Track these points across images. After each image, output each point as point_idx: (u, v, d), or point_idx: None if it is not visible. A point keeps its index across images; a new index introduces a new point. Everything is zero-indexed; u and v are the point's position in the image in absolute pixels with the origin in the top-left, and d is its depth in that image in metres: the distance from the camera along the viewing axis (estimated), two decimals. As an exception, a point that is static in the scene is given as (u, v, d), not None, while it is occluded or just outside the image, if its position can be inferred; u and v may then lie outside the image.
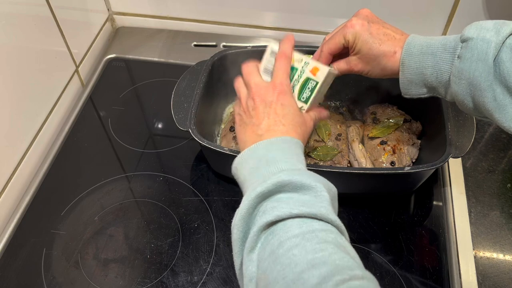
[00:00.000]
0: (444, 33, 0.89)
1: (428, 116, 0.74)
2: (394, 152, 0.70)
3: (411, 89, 0.54)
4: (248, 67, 0.56)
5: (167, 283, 0.62)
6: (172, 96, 0.70)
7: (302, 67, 0.56)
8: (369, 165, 0.70)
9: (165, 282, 0.62)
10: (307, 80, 0.55)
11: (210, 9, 0.95)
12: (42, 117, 0.78)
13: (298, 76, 0.56)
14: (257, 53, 0.76)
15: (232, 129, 0.74)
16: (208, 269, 0.63)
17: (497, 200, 0.70)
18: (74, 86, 0.87)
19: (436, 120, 0.68)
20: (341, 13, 0.88)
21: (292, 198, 0.42)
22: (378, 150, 0.71)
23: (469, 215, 0.68)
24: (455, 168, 0.74)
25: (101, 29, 0.97)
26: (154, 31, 1.00)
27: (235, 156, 0.64)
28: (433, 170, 0.67)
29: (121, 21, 1.02)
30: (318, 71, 0.55)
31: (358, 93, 0.81)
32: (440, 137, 0.65)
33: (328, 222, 0.41)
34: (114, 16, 1.01)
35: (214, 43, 0.96)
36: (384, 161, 0.70)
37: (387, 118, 0.75)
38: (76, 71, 0.88)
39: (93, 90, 0.89)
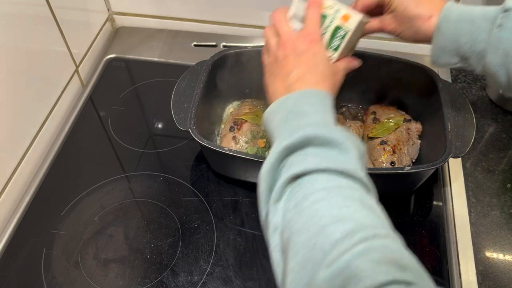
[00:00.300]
0: (444, 33, 0.89)
1: (428, 116, 0.74)
2: (394, 152, 0.70)
3: (441, 57, 0.54)
4: (277, 15, 0.54)
5: (167, 283, 0.62)
6: (172, 96, 0.70)
7: (333, 14, 0.53)
8: (369, 165, 0.70)
9: (165, 282, 0.62)
10: (338, 28, 0.53)
11: (210, 9, 0.95)
12: (42, 117, 0.78)
13: (329, 24, 0.53)
14: (257, 53, 0.77)
15: (232, 129, 0.74)
16: (208, 269, 0.63)
17: (497, 200, 0.70)
18: (74, 86, 0.87)
19: (436, 120, 0.68)
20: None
21: (320, 152, 0.42)
22: (378, 150, 0.71)
23: (469, 215, 0.68)
24: (455, 168, 0.74)
25: (101, 29, 0.97)
26: (154, 31, 1.00)
27: (235, 156, 0.65)
28: (433, 170, 0.67)
29: (121, 21, 1.02)
30: (349, 19, 0.52)
31: (358, 93, 0.81)
32: (440, 137, 0.65)
33: (355, 179, 0.40)
34: (114, 16, 1.01)
35: (214, 43, 0.96)
36: (384, 161, 0.70)
37: (387, 118, 0.75)
38: (76, 71, 0.88)
39: (93, 90, 0.89)
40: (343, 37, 0.53)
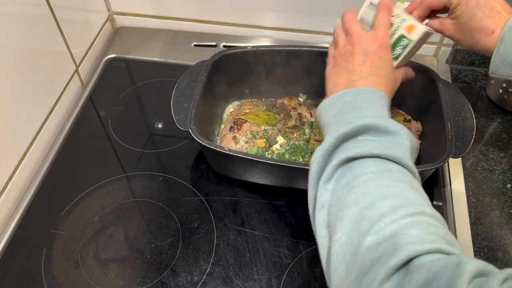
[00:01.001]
0: (444, 33, 0.89)
1: (428, 116, 0.74)
2: (394, 152, 0.70)
3: (501, 68, 0.54)
4: (349, 15, 0.55)
5: (167, 283, 0.62)
6: (172, 96, 0.70)
7: (399, 23, 0.55)
8: (369, 165, 0.70)
9: (165, 282, 0.62)
10: (401, 37, 0.54)
11: (210, 9, 0.95)
12: (42, 117, 0.78)
13: (393, 32, 0.55)
14: (257, 53, 0.77)
15: (232, 129, 0.74)
16: (208, 269, 0.63)
17: (497, 200, 0.70)
18: (74, 86, 0.87)
19: (436, 120, 0.68)
20: (341, 13, 0.88)
21: (374, 140, 0.43)
22: (378, 150, 0.71)
23: (469, 215, 0.68)
24: (455, 168, 0.74)
25: (101, 29, 0.97)
26: (154, 31, 1.00)
27: (235, 156, 0.65)
28: (433, 170, 0.67)
29: (121, 21, 1.02)
30: (413, 30, 0.54)
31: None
32: (440, 137, 0.65)
33: (405, 167, 0.42)
34: (114, 16, 1.01)
35: (214, 43, 0.96)
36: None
37: (387, 118, 0.75)
38: (76, 71, 0.88)
39: (93, 90, 0.89)
40: (405, 47, 0.55)
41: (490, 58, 0.54)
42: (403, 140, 0.43)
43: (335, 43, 0.57)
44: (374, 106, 0.47)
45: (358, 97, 0.48)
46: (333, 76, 0.54)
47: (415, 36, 0.54)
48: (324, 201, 0.43)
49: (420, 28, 0.54)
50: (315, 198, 0.45)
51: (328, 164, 0.44)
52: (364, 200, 0.39)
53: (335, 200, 0.41)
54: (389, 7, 0.54)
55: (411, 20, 0.54)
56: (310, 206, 0.46)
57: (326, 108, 0.50)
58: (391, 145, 0.43)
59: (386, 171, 0.41)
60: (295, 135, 0.74)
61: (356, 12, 0.56)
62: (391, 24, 0.55)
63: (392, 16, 0.55)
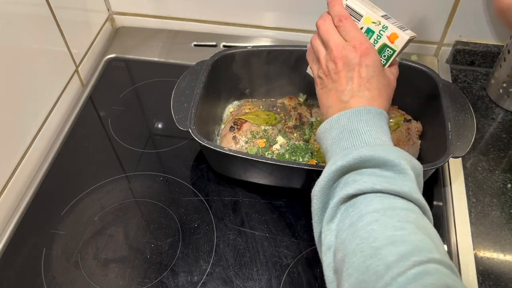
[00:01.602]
0: (444, 33, 0.89)
1: (428, 116, 0.74)
2: (394, 152, 0.70)
3: None
4: (325, 25, 0.52)
5: (167, 283, 0.62)
6: (172, 96, 0.70)
7: (380, 31, 0.52)
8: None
9: (165, 282, 0.62)
10: (384, 46, 0.52)
11: (210, 9, 0.95)
12: (42, 117, 0.78)
13: (374, 41, 0.52)
14: (257, 53, 0.77)
15: (232, 129, 0.74)
16: (208, 269, 0.63)
17: (497, 200, 0.70)
18: (74, 86, 0.87)
19: (436, 120, 0.68)
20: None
21: (375, 173, 0.41)
22: (378, 150, 0.71)
23: (469, 215, 0.68)
24: (455, 168, 0.74)
25: (101, 29, 0.97)
26: (154, 31, 1.00)
27: (235, 156, 0.65)
28: (433, 170, 0.67)
29: (121, 21, 1.02)
30: (396, 39, 0.51)
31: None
32: (440, 137, 0.65)
33: (411, 201, 0.40)
34: (114, 16, 1.01)
35: (214, 43, 0.96)
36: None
37: (387, 118, 0.75)
38: (76, 71, 0.88)
39: (93, 90, 0.89)
40: (389, 57, 0.53)
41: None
42: (405, 170, 0.41)
43: (315, 58, 0.54)
44: (372, 129, 0.45)
45: (353, 119, 0.46)
46: (324, 99, 0.52)
47: (398, 45, 0.51)
48: (330, 242, 0.41)
49: (403, 37, 0.51)
50: (320, 238, 0.43)
51: (330, 200, 0.43)
52: (368, 245, 0.37)
53: (340, 244, 0.40)
54: (346, 16, 0.52)
55: (392, 27, 0.51)
56: (317, 244, 0.45)
57: (323, 135, 0.49)
58: (393, 177, 0.41)
59: (391, 209, 0.39)
60: (295, 135, 0.74)
61: (330, 17, 0.53)
62: (372, 32, 0.52)
63: (372, 23, 0.52)
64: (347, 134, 0.46)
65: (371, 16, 0.52)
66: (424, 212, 0.41)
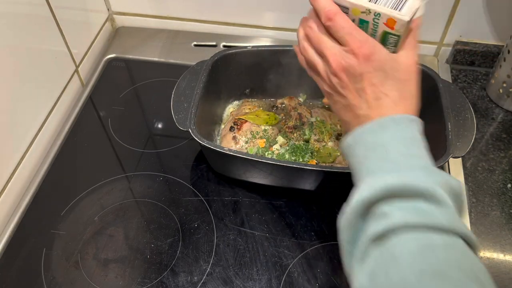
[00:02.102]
0: (444, 33, 0.89)
1: (428, 116, 0.73)
2: (394, 152, 0.70)
3: None
4: (313, 31, 0.46)
5: (167, 283, 0.62)
6: (172, 96, 0.70)
7: (374, 19, 0.44)
8: (369, 165, 0.70)
9: (165, 282, 0.62)
10: (386, 34, 0.44)
11: (210, 9, 0.95)
12: (42, 117, 0.78)
13: (372, 31, 0.45)
14: (257, 53, 0.77)
15: (232, 129, 0.74)
16: (208, 269, 0.63)
17: (497, 200, 0.70)
18: (74, 86, 0.87)
19: (436, 120, 0.68)
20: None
21: (406, 206, 0.36)
22: (378, 150, 0.71)
23: (469, 215, 0.68)
24: (455, 168, 0.74)
25: (101, 29, 0.97)
26: (154, 31, 1.00)
27: (235, 156, 0.65)
28: (433, 170, 0.67)
29: (121, 21, 1.02)
30: (395, 24, 0.43)
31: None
32: (440, 137, 0.65)
33: (451, 234, 0.35)
34: (114, 16, 1.01)
35: (214, 43, 0.96)
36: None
37: (387, 118, 0.75)
38: (76, 71, 0.88)
39: (93, 90, 0.89)
40: (396, 44, 0.45)
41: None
42: (442, 201, 0.36)
43: (315, 71, 0.47)
44: (400, 143, 0.40)
45: (378, 134, 0.41)
46: (342, 115, 0.46)
47: (400, 29, 0.43)
48: (363, 285, 0.36)
49: (402, 19, 0.43)
50: (351, 272, 0.39)
51: (358, 236, 0.38)
52: None
53: None
54: (336, 12, 0.44)
55: (385, 12, 0.43)
56: (346, 273, 0.40)
57: (347, 150, 0.44)
58: (429, 210, 0.36)
59: (429, 248, 0.34)
60: (295, 135, 0.74)
61: (315, 20, 0.46)
62: (365, 22, 0.45)
63: (361, 13, 0.44)
64: (372, 153, 0.41)
65: (357, 6, 0.44)
66: (469, 243, 0.36)
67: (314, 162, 0.71)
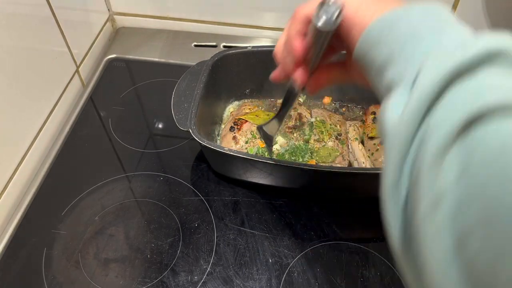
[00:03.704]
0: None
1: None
2: (394, 152, 0.70)
3: None
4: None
5: (168, 283, 0.62)
6: (172, 96, 0.70)
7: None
8: (369, 165, 0.70)
9: (165, 281, 0.62)
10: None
11: (210, 9, 0.95)
12: (42, 117, 0.78)
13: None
14: (257, 53, 0.77)
15: (232, 129, 0.74)
16: (209, 268, 0.63)
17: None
18: (75, 86, 0.88)
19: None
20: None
21: (506, 76, 0.26)
22: (378, 150, 0.71)
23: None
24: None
25: (101, 29, 0.97)
26: (154, 31, 1.00)
27: (235, 156, 0.65)
28: (432, 170, 0.67)
29: (121, 21, 1.02)
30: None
31: (358, 93, 0.81)
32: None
33: None
34: (115, 16, 1.01)
35: (214, 44, 0.96)
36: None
37: (387, 118, 0.75)
38: (77, 71, 0.88)
39: (94, 90, 0.89)
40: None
41: None
42: None
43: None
44: (448, 24, 0.31)
45: (405, 19, 0.32)
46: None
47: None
48: (441, 188, 0.25)
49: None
50: (399, 179, 0.29)
51: (433, 124, 0.27)
52: None
53: (470, 191, 0.24)
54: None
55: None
56: (389, 190, 0.31)
57: (378, 37, 0.33)
58: None
59: None
60: (295, 135, 0.75)
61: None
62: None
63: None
64: (411, 38, 0.31)
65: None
66: None
67: (314, 162, 0.71)
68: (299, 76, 0.44)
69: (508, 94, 0.25)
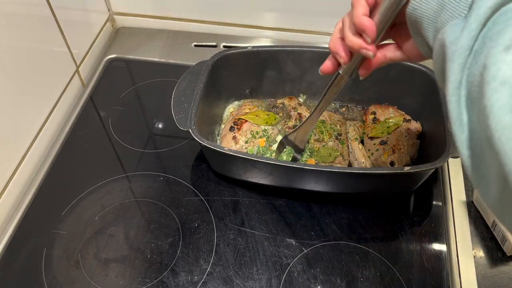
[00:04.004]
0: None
1: (428, 116, 0.74)
2: (394, 152, 0.70)
3: None
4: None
5: (168, 283, 0.62)
6: (173, 96, 0.70)
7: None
8: (369, 165, 0.70)
9: (165, 281, 0.62)
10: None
11: (210, 9, 0.95)
12: (42, 117, 0.78)
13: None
14: (257, 53, 0.77)
15: (232, 129, 0.74)
16: (209, 268, 0.63)
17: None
18: (75, 86, 0.88)
19: (436, 120, 0.68)
20: (342, 14, 0.88)
21: None
22: (378, 150, 0.71)
23: (469, 215, 0.68)
24: (454, 168, 0.74)
25: (101, 29, 0.97)
26: (154, 31, 1.00)
27: (235, 156, 0.65)
28: (433, 170, 0.67)
29: (121, 21, 1.02)
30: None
31: (358, 93, 0.81)
32: (439, 137, 0.65)
33: None
34: (115, 16, 1.01)
35: (214, 44, 0.96)
36: (384, 161, 0.70)
37: (387, 118, 0.75)
38: (77, 71, 0.88)
39: (94, 90, 0.89)
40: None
41: None
42: None
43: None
44: None
45: None
46: None
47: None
48: (506, 76, 0.28)
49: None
50: (461, 77, 0.33)
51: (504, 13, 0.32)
52: None
53: None
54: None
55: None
56: (451, 86, 0.34)
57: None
58: None
59: None
60: (295, 135, 0.75)
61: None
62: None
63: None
64: None
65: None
66: None
67: (313, 161, 0.71)
68: (372, 49, 0.47)
69: None
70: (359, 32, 0.46)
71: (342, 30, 0.49)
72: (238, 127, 0.74)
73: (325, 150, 0.71)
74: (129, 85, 0.90)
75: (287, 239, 0.66)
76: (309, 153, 0.72)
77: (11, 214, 0.70)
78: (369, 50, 0.46)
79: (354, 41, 0.47)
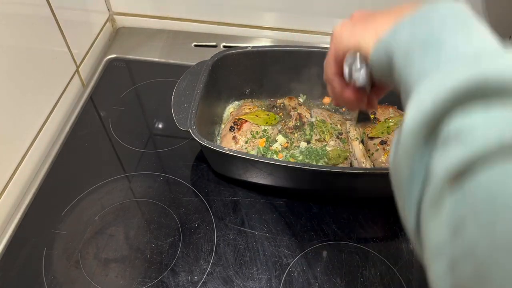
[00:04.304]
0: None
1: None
2: (394, 152, 0.70)
3: None
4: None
5: (168, 283, 0.62)
6: (173, 96, 0.70)
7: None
8: (369, 165, 0.70)
9: (165, 281, 0.62)
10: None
11: (210, 9, 0.96)
12: (42, 117, 0.78)
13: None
14: (257, 53, 0.77)
15: (232, 129, 0.74)
16: (209, 268, 0.63)
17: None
18: (75, 86, 0.88)
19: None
20: (341, 14, 0.88)
21: (495, 113, 0.23)
22: (378, 150, 0.71)
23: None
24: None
25: (101, 29, 0.97)
26: (154, 31, 1.00)
27: (235, 156, 0.65)
28: (432, 170, 0.67)
29: (121, 21, 1.02)
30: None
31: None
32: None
33: None
34: (115, 16, 1.01)
35: (214, 44, 0.96)
36: (384, 161, 0.70)
37: (387, 118, 0.75)
38: (77, 71, 0.88)
39: (94, 90, 0.89)
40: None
41: None
42: None
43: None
44: (454, 24, 0.30)
45: (432, 24, 0.31)
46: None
47: None
48: (440, 244, 0.25)
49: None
50: (417, 228, 0.28)
51: (427, 167, 0.26)
52: None
53: (466, 252, 0.23)
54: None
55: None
56: (411, 235, 0.30)
57: (380, 60, 0.34)
58: None
59: None
60: (295, 135, 0.75)
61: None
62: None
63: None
64: (417, 49, 0.30)
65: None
66: None
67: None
68: (363, 106, 0.46)
69: (497, 138, 0.22)
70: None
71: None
72: (238, 127, 0.74)
73: (334, 151, 0.70)
74: (129, 85, 0.90)
75: (287, 239, 0.66)
76: (325, 159, 0.70)
77: (11, 214, 0.70)
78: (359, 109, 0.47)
79: (347, 104, 0.47)
